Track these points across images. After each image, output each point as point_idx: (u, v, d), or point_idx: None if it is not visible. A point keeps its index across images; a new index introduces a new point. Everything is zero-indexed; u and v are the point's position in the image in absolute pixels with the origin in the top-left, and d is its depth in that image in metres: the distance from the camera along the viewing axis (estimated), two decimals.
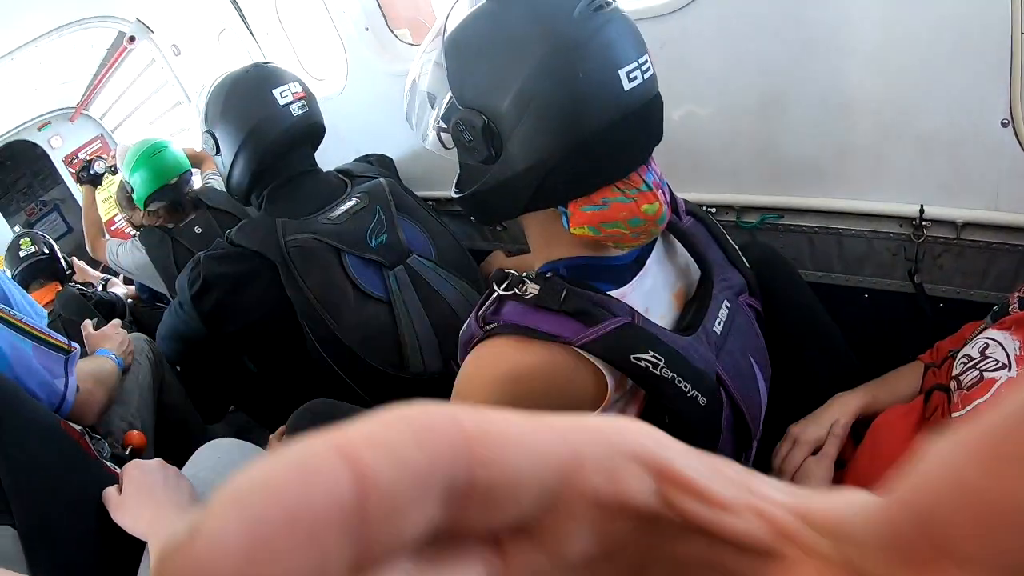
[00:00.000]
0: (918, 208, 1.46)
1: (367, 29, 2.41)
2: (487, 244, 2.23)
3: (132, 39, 4.08)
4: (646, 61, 0.95)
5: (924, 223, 1.46)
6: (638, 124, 0.95)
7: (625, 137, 0.95)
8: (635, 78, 0.92)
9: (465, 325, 1.06)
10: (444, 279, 1.79)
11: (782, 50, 1.48)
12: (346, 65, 2.58)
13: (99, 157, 3.48)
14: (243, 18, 3.00)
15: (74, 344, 1.36)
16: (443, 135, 1.07)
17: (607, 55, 0.91)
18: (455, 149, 1.03)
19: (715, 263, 1.15)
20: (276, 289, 1.69)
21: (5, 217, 6.14)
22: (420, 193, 2.08)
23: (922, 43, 1.29)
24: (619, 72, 0.91)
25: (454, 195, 1.09)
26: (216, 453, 1.19)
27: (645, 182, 0.98)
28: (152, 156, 2.73)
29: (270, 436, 1.60)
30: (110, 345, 1.80)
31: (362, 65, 2.52)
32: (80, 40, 4.41)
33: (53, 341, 1.30)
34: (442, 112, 1.05)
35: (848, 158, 1.53)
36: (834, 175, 1.57)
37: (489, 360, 0.98)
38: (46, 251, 3.41)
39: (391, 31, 2.44)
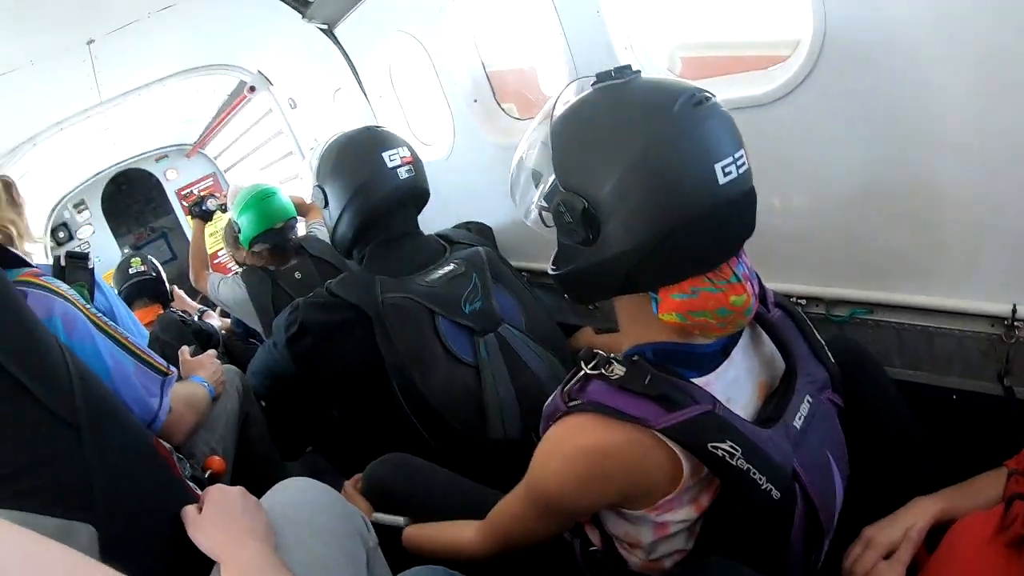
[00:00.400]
0: (1010, 308, 1.41)
1: (476, 101, 2.53)
2: (577, 319, 2.25)
3: (252, 89, 4.35)
4: (741, 156, 0.98)
5: (1016, 323, 1.41)
6: (731, 217, 0.98)
7: (718, 229, 0.97)
8: (730, 172, 0.95)
9: (550, 399, 1.09)
10: (532, 350, 1.82)
11: (878, 143, 1.47)
12: (453, 133, 2.69)
13: (212, 195, 3.70)
14: (359, 81, 3.18)
15: (172, 368, 1.43)
16: (544, 213, 1.11)
17: (704, 149, 0.94)
18: (555, 227, 1.08)
19: (800, 357, 1.15)
20: (368, 342, 1.75)
21: (115, 238, 6.52)
22: (516, 263, 2.13)
23: (1018, 139, 1.27)
24: (715, 166, 0.94)
25: (550, 271, 1.13)
26: (292, 490, 1.21)
27: (735, 273, 1.00)
28: (261, 200, 2.91)
29: (345, 482, 1.64)
30: (204, 373, 1.87)
31: (468, 134, 2.61)
32: (204, 84, 4.71)
33: (153, 362, 1.37)
34: (545, 191, 1.11)
35: (941, 254, 1.49)
36: (926, 271, 1.53)
37: (570, 435, 1.02)
38: (153, 273, 3.60)
39: (498, 104, 2.54)
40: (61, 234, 6.16)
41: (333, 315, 1.79)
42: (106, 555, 0.94)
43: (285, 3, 3.03)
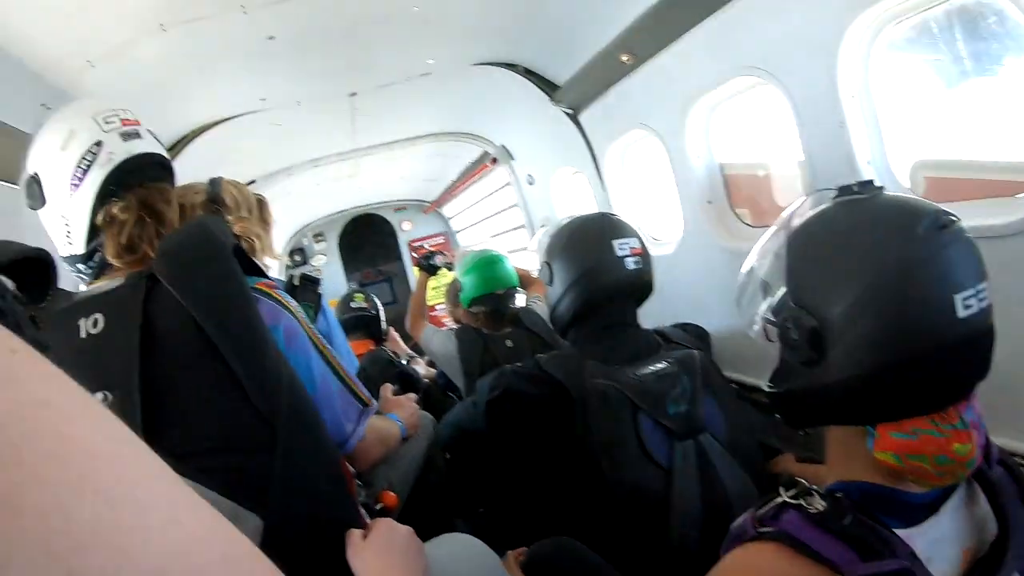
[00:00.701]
0: None
1: (709, 202, 2.51)
2: (779, 442, 2.14)
3: (494, 160, 4.62)
4: (984, 289, 0.90)
5: None
6: (966, 356, 0.90)
7: (950, 367, 0.90)
8: (970, 306, 0.88)
9: (740, 520, 1.03)
10: (729, 465, 1.75)
11: None
12: (682, 231, 2.68)
13: (440, 252, 3.91)
14: (597, 167, 3.27)
15: (373, 400, 1.47)
16: (769, 327, 1.07)
17: (945, 278, 0.88)
18: (778, 343, 1.04)
19: (1017, 527, 1.00)
20: (565, 422, 1.76)
21: (345, 272, 7.13)
22: (728, 373, 2.07)
23: None
24: (955, 297, 0.87)
25: (766, 387, 1.08)
26: (456, 544, 1.23)
27: (962, 419, 0.91)
28: (487, 264, 3.04)
29: (509, 552, 1.62)
30: (401, 413, 1.89)
31: (698, 235, 2.60)
32: (450, 149, 5.07)
33: (357, 391, 1.40)
34: (774, 304, 1.06)
35: None
36: None
37: (753, 562, 0.96)
38: (373, 311, 3.79)
39: (731, 208, 2.51)
40: (297, 257, 6.79)
41: (537, 388, 1.82)
42: (265, 548, 1.01)
43: (535, 85, 3.24)
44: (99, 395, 1.06)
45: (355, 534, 1.11)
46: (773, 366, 1.08)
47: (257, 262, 1.39)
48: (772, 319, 1.06)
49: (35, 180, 1.28)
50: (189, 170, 2.02)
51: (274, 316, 1.25)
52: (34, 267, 0.64)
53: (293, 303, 1.32)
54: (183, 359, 1.10)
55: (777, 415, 1.11)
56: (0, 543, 0.24)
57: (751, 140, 2.57)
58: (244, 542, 0.38)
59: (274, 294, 1.29)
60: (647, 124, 2.69)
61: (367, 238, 7.28)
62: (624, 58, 2.52)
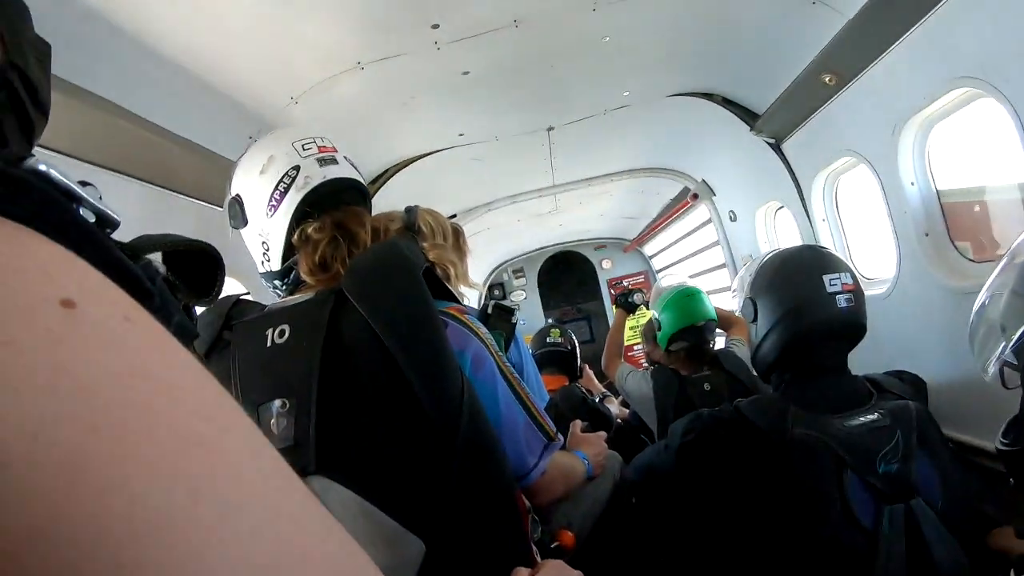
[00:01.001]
0: None
1: (927, 235, 2.28)
2: (997, 513, 1.82)
3: (695, 196, 4.50)
4: None
5: None
6: None
7: None
8: None
9: None
10: (941, 535, 1.53)
11: None
12: (897, 268, 2.47)
13: (639, 290, 3.86)
14: (803, 199, 3.09)
15: (560, 436, 1.43)
16: (1009, 371, 0.98)
17: None
18: (1020, 390, 0.91)
19: None
20: (763, 472, 1.65)
21: (543, 308, 7.28)
22: (946, 430, 1.81)
23: None
24: None
25: (999, 444, 0.96)
26: None
27: None
28: (684, 297, 2.95)
29: None
30: (589, 451, 1.85)
31: (914, 272, 2.38)
32: (649, 185, 5.05)
33: (544, 424, 1.37)
34: (1014, 346, 0.97)
35: None
36: None
37: None
38: (568, 347, 3.73)
39: (951, 242, 2.27)
40: (496, 292, 7.23)
41: (735, 435, 1.73)
42: (423, 573, 1.01)
43: (734, 114, 3.14)
44: (277, 402, 1.10)
45: (521, 572, 1.07)
46: (1005, 421, 1.00)
47: (451, 288, 1.41)
48: (1014, 362, 0.98)
49: (237, 201, 1.37)
50: (392, 204, 2.13)
51: (462, 341, 1.25)
52: (203, 261, 0.68)
53: (483, 330, 1.32)
54: (363, 375, 1.11)
55: (1011, 479, 0.98)
56: (57, 515, 0.23)
57: (969, 163, 2.34)
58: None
59: (464, 319, 1.29)
60: (855, 150, 2.52)
61: (566, 275, 7.38)
62: (827, 78, 2.39)
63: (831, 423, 1.65)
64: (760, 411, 1.73)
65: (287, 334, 1.17)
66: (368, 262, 1.22)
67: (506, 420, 1.28)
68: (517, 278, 7.23)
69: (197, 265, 0.63)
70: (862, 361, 1.95)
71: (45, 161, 0.36)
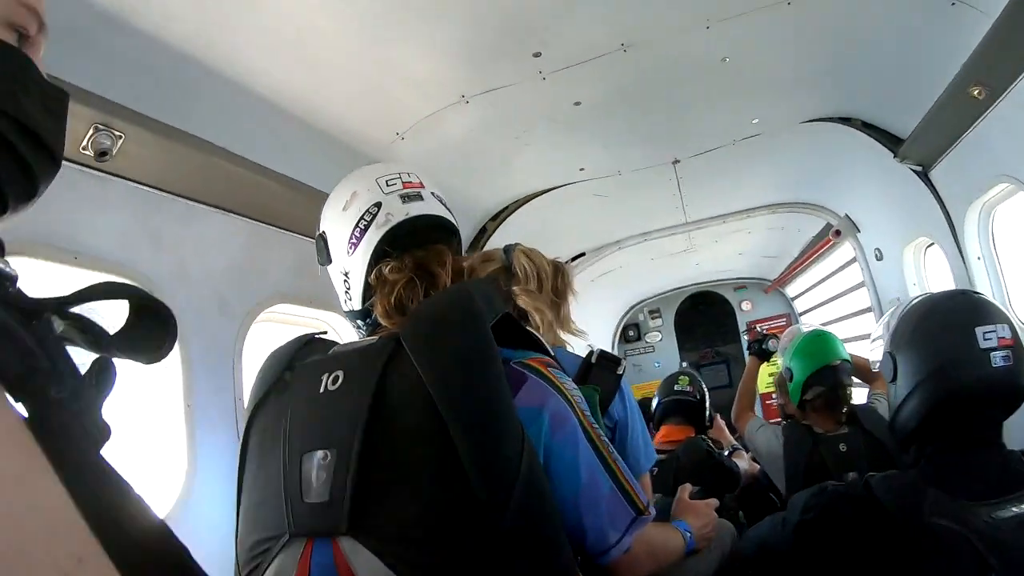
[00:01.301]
0: None
1: None
2: None
3: (838, 233, 4.19)
4: None
5: None
6: None
7: None
8: None
9: None
10: None
11: None
12: None
13: (774, 335, 3.58)
14: (954, 234, 2.78)
15: (652, 509, 1.27)
16: None
17: None
18: None
19: None
20: (892, 562, 1.41)
21: (679, 351, 7.04)
22: None
23: None
24: None
25: None
26: None
27: None
28: (814, 339, 2.71)
29: None
30: (695, 522, 1.71)
31: None
32: (789, 222, 4.77)
33: (633, 494, 1.22)
34: None
35: None
36: None
37: None
38: (697, 396, 3.54)
39: None
40: (631, 332, 7.06)
41: (861, 516, 1.49)
42: None
43: (876, 140, 2.90)
44: (320, 453, 1.04)
45: None
46: None
47: (534, 334, 1.29)
48: None
49: (322, 238, 1.35)
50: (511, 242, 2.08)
51: (541, 397, 1.13)
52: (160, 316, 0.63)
53: (570, 385, 1.19)
54: (409, 434, 1.02)
55: None
56: None
57: None
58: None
59: (546, 372, 1.16)
60: (1012, 175, 2.23)
61: (704, 317, 7.16)
62: (975, 91, 2.13)
63: (977, 513, 1.37)
64: (893, 491, 1.47)
65: (340, 381, 1.10)
66: (430, 308, 1.13)
67: (587, 489, 1.14)
68: (653, 319, 7.08)
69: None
70: (1019, 433, 1.67)
71: None
